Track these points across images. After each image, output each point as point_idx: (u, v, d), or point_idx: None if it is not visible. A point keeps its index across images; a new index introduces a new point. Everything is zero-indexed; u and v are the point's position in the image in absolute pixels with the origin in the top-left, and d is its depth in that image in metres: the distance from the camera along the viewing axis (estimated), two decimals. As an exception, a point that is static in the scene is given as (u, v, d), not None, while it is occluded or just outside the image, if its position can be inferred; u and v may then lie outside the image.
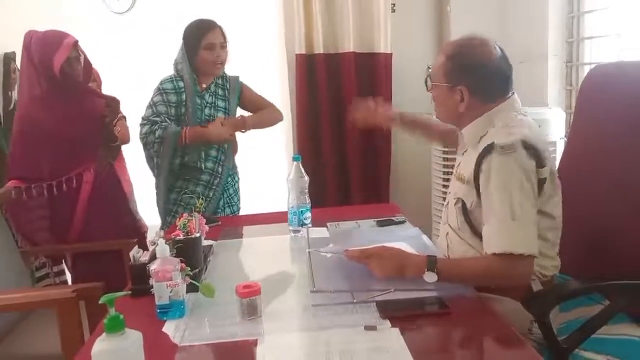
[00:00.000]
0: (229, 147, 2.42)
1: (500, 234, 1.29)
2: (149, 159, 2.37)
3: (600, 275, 1.42)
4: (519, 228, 1.28)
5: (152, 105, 2.28)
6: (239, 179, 2.56)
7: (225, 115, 2.37)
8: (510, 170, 1.30)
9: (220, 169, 2.38)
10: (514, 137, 1.32)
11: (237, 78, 2.44)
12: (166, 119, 2.26)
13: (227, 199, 2.46)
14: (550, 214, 1.39)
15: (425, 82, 1.53)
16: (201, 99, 2.32)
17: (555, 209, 1.41)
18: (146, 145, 2.30)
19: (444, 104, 1.49)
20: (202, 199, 1.86)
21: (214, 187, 2.37)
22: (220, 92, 2.38)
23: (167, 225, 2.32)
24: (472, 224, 1.43)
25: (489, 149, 1.34)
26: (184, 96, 2.29)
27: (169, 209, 2.38)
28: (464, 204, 1.43)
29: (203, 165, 2.33)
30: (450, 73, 1.44)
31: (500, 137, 1.33)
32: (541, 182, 1.34)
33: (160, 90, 2.29)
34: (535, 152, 1.32)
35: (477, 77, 1.41)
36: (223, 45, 2.27)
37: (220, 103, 2.38)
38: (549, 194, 1.38)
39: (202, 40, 2.23)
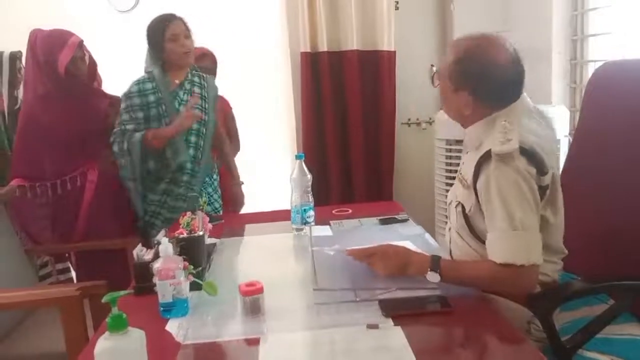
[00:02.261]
0: (206, 146, 2.34)
1: (501, 244, 1.27)
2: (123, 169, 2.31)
3: (607, 274, 1.41)
4: (520, 238, 1.25)
5: (120, 114, 2.27)
6: (217, 177, 2.52)
7: (203, 113, 2.30)
8: (509, 180, 1.26)
9: (197, 168, 2.32)
10: (510, 145, 1.26)
11: (215, 86, 2.41)
12: (134, 125, 2.23)
13: (207, 197, 2.37)
14: (550, 220, 1.35)
15: (432, 79, 1.50)
16: (175, 96, 2.26)
17: (557, 216, 1.37)
18: (120, 162, 2.28)
19: (449, 103, 1.47)
20: (204, 197, 1.85)
21: (193, 187, 2.32)
22: (196, 89, 2.31)
23: (146, 224, 2.34)
24: (472, 227, 1.41)
25: (486, 157, 1.30)
26: (152, 97, 2.23)
27: (147, 210, 2.34)
28: (463, 207, 1.42)
29: (176, 164, 2.27)
30: (456, 77, 1.40)
31: (498, 145, 1.28)
32: (543, 189, 1.30)
33: (125, 95, 2.25)
34: (535, 159, 1.27)
35: (482, 84, 1.36)
36: (187, 35, 2.23)
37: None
38: (551, 200, 1.34)
39: (165, 33, 2.20)
